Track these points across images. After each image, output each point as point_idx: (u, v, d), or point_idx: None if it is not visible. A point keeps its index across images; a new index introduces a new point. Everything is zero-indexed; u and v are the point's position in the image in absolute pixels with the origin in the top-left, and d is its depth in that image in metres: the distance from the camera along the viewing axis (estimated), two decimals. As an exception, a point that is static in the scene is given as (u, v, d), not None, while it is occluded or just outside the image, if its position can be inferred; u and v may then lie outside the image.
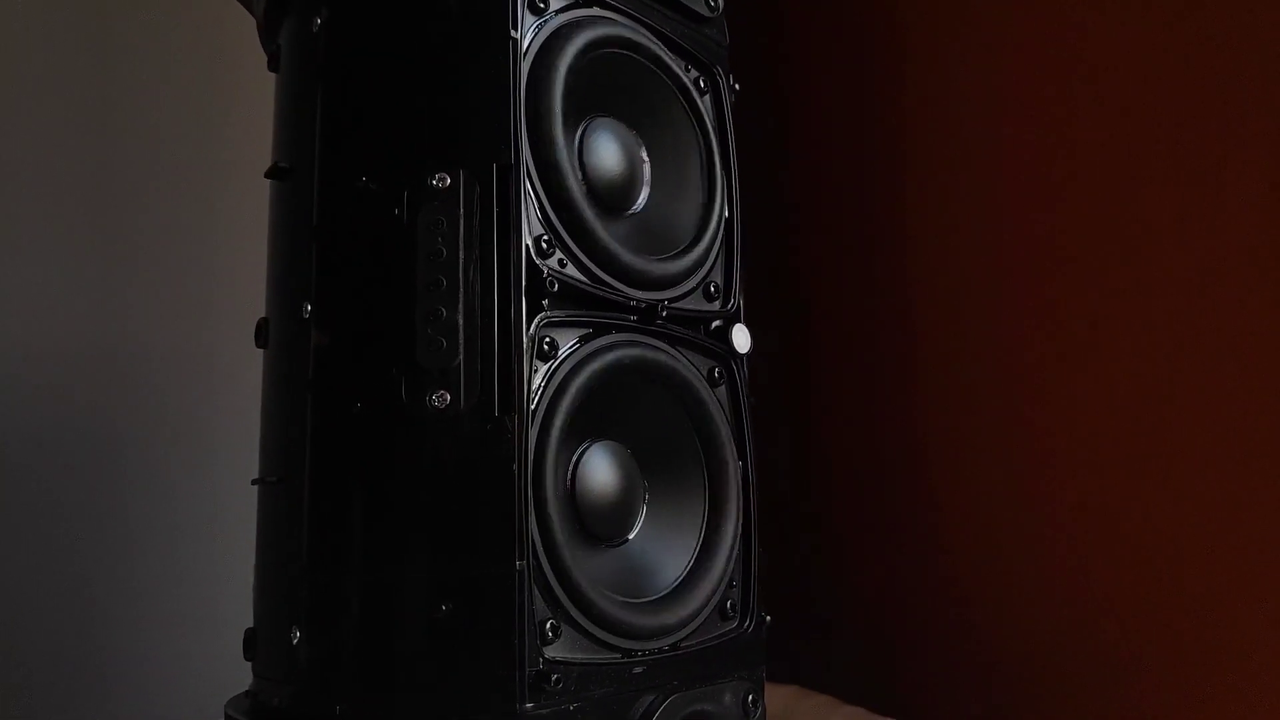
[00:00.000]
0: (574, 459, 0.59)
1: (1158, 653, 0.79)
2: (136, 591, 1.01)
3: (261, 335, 0.64)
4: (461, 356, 0.53)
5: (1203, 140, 0.78)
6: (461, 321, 0.53)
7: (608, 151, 0.63)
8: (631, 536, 0.62)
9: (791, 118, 1.16)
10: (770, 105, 1.16)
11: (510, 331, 0.53)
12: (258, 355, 0.65)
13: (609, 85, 0.64)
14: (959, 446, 0.96)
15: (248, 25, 0.74)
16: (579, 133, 0.62)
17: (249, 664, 0.62)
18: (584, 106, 0.62)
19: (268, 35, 0.71)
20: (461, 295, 0.54)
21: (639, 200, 0.66)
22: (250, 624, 0.62)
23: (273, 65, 0.68)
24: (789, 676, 0.96)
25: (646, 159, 0.67)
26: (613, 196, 0.64)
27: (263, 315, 0.65)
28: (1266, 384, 0.74)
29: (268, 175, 0.64)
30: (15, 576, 0.94)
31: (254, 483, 0.62)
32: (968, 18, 0.97)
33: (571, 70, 0.60)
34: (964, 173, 0.97)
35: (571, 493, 0.57)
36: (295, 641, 0.55)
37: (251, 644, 0.61)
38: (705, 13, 0.72)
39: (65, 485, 0.98)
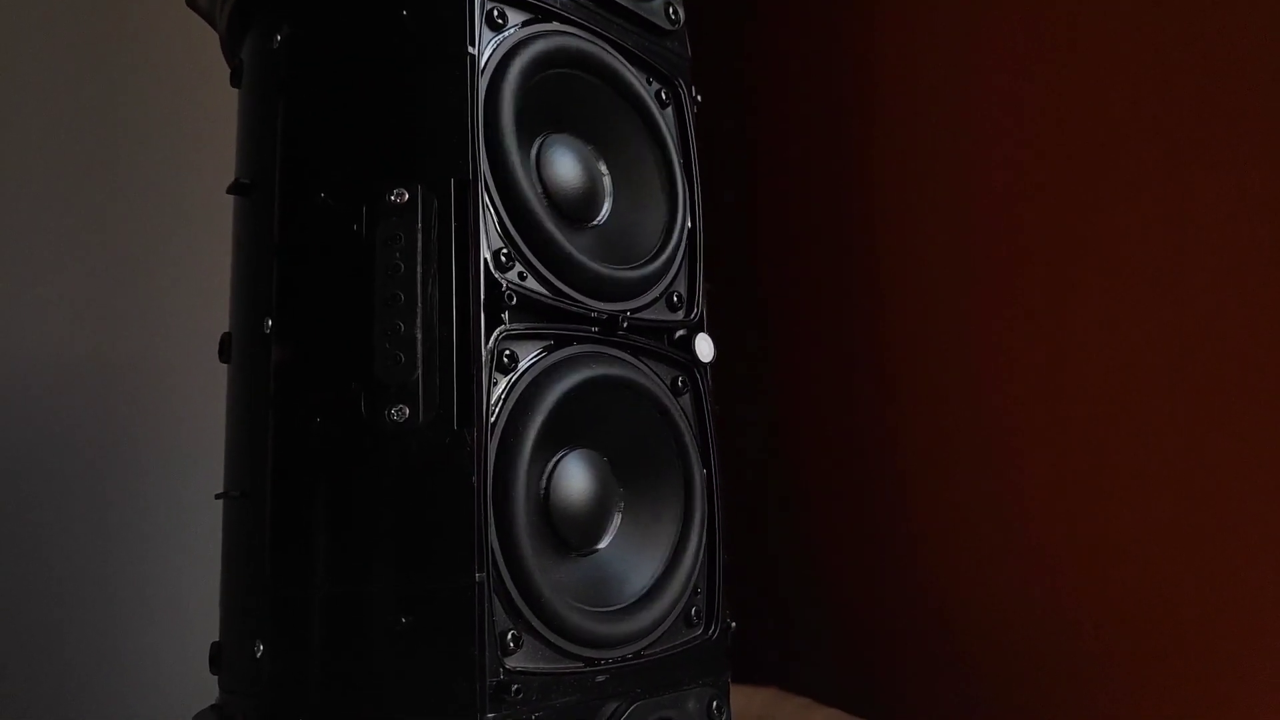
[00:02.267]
0: (549, 467, 0.59)
1: (1131, 653, 0.80)
2: (109, 600, 1.01)
3: (225, 350, 0.64)
4: (420, 370, 0.54)
5: (1175, 141, 0.79)
6: (420, 336, 0.54)
7: (565, 165, 0.64)
8: (602, 545, 0.62)
9: (758, 121, 1.17)
10: (736, 110, 1.17)
11: (469, 345, 0.54)
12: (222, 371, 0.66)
13: (565, 101, 0.64)
14: (933, 448, 0.97)
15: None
16: (536, 147, 0.63)
17: (216, 678, 0.62)
18: (541, 122, 0.63)
19: (230, 50, 0.71)
20: (420, 309, 0.54)
21: (601, 212, 0.67)
22: (216, 638, 0.63)
23: (235, 80, 0.69)
24: (768, 679, 0.97)
25: (606, 172, 0.68)
26: (574, 209, 0.64)
27: (226, 330, 0.65)
28: (1240, 385, 0.75)
29: (230, 191, 0.64)
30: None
31: (217, 497, 0.62)
32: (939, 14, 0.98)
33: (526, 82, 0.60)
34: (935, 173, 0.98)
35: (545, 501, 0.58)
36: (259, 655, 0.55)
37: (217, 658, 0.61)
38: (666, 25, 0.73)
39: (42, 492, 0.98)
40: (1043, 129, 0.88)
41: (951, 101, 0.96)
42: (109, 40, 1.07)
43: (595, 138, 0.67)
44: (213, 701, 0.62)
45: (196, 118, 1.08)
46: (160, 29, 1.09)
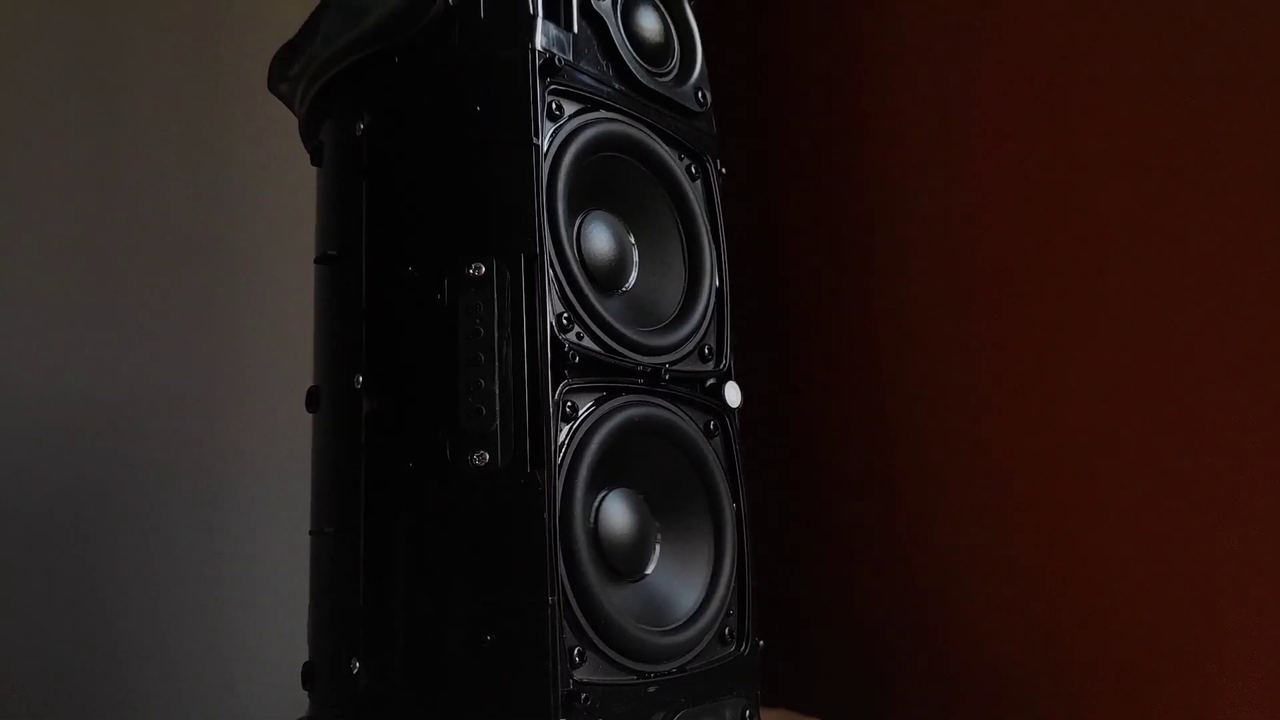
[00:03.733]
0: (595, 505, 0.68)
1: (1145, 672, 0.85)
2: (162, 631, 1.07)
3: (313, 401, 0.72)
4: (498, 421, 0.62)
5: (1168, 157, 0.86)
6: (498, 391, 0.62)
7: (603, 239, 0.73)
8: (649, 572, 0.71)
9: (773, 189, 1.27)
10: (755, 184, 1.26)
11: (539, 398, 0.62)
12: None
13: (604, 181, 0.73)
14: (939, 475, 1.05)
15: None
16: (577, 223, 0.72)
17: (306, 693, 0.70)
18: (583, 199, 0.72)
19: (308, 133, 0.80)
20: (497, 368, 0.63)
21: (630, 279, 0.76)
22: (294, 660, 0.70)
23: (315, 160, 0.77)
24: (778, 700, 1.04)
25: (634, 243, 0.77)
26: (606, 277, 0.73)
27: (312, 384, 0.73)
28: (1233, 395, 0.81)
29: (318, 261, 0.73)
30: (25, 618, 1.00)
31: (311, 534, 0.70)
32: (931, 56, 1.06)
33: (577, 166, 0.69)
34: (930, 199, 1.06)
35: (595, 535, 0.66)
36: (355, 671, 0.63)
37: (310, 676, 0.69)
38: (695, 108, 0.82)
39: (71, 525, 1.04)
40: (1045, 158, 0.96)
41: (949, 132, 1.05)
42: (126, 64, 1.13)
43: (627, 213, 0.76)
44: (304, 715, 0.69)
45: (234, 151, 1.15)
46: (178, 63, 1.16)
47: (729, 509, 0.75)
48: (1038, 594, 0.94)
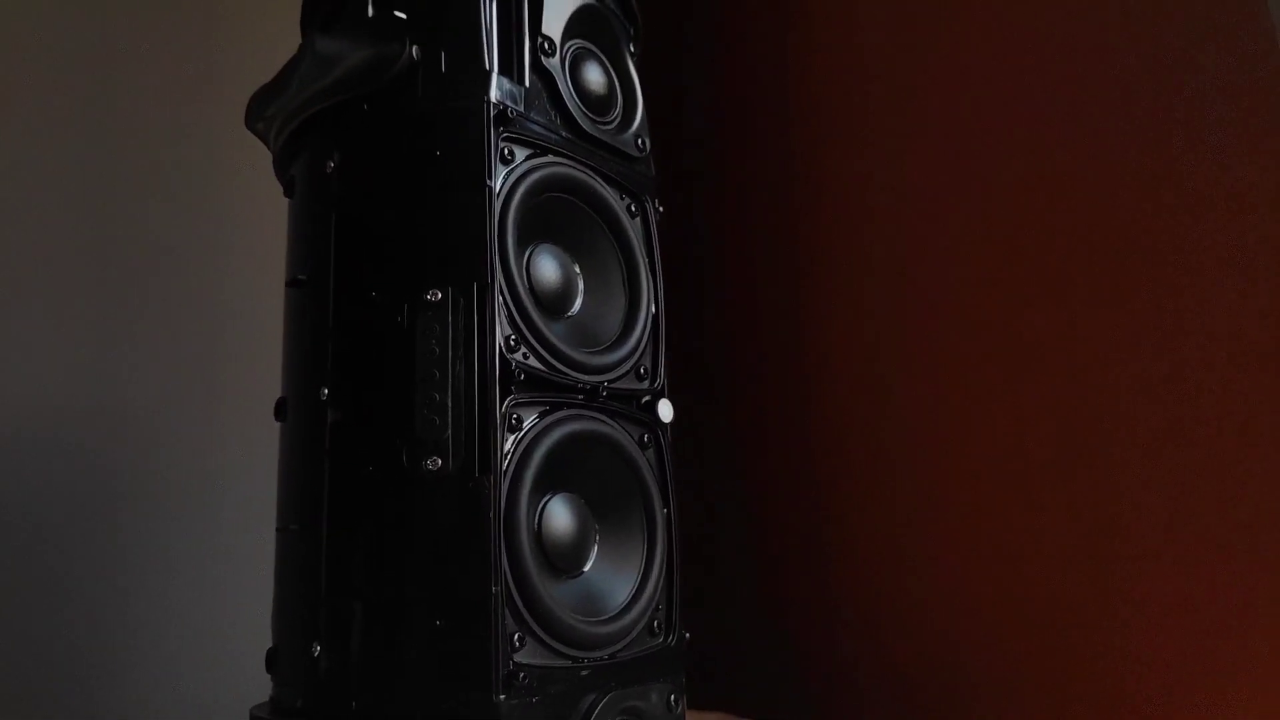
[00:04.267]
0: (540, 507, 0.76)
1: (1086, 675, 0.89)
2: (129, 641, 1.12)
3: (281, 411, 0.79)
4: (450, 430, 0.70)
5: (1139, 159, 0.89)
6: (450, 404, 0.70)
7: (549, 269, 0.82)
8: (587, 568, 0.79)
9: (712, 220, 1.36)
10: (696, 212, 1.35)
11: (488, 411, 0.70)
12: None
13: (551, 218, 0.82)
14: (881, 468, 1.10)
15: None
16: (527, 255, 0.80)
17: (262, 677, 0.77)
18: (532, 234, 0.80)
19: (281, 167, 0.88)
20: (450, 383, 0.71)
21: (575, 305, 0.84)
22: (259, 651, 0.77)
23: (288, 192, 0.85)
24: (716, 703, 1.10)
25: (579, 272, 0.85)
26: (553, 303, 0.82)
27: (280, 395, 0.80)
28: (1219, 393, 0.84)
29: (289, 284, 0.80)
30: (18, 624, 1.05)
31: (278, 531, 0.77)
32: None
33: (525, 204, 0.78)
34: (880, 208, 1.11)
35: (538, 534, 0.74)
36: (316, 654, 0.70)
37: (274, 659, 0.76)
38: (635, 153, 0.91)
39: (70, 535, 1.10)
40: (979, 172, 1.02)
41: (890, 153, 1.11)
42: (123, 74, 1.18)
43: (572, 246, 0.85)
44: (267, 697, 0.76)
45: (229, 163, 1.21)
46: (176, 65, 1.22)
47: (660, 513, 0.83)
48: (980, 589, 0.97)
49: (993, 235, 1.03)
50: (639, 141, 0.92)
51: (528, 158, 0.80)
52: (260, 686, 0.78)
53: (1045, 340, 0.97)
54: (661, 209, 0.94)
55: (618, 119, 0.91)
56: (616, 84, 0.92)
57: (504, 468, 0.71)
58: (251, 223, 1.23)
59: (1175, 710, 0.85)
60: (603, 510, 0.81)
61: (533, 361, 0.75)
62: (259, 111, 0.86)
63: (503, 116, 0.77)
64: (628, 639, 0.78)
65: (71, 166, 1.15)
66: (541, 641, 0.71)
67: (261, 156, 0.90)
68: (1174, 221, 0.89)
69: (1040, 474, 0.96)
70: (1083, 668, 0.91)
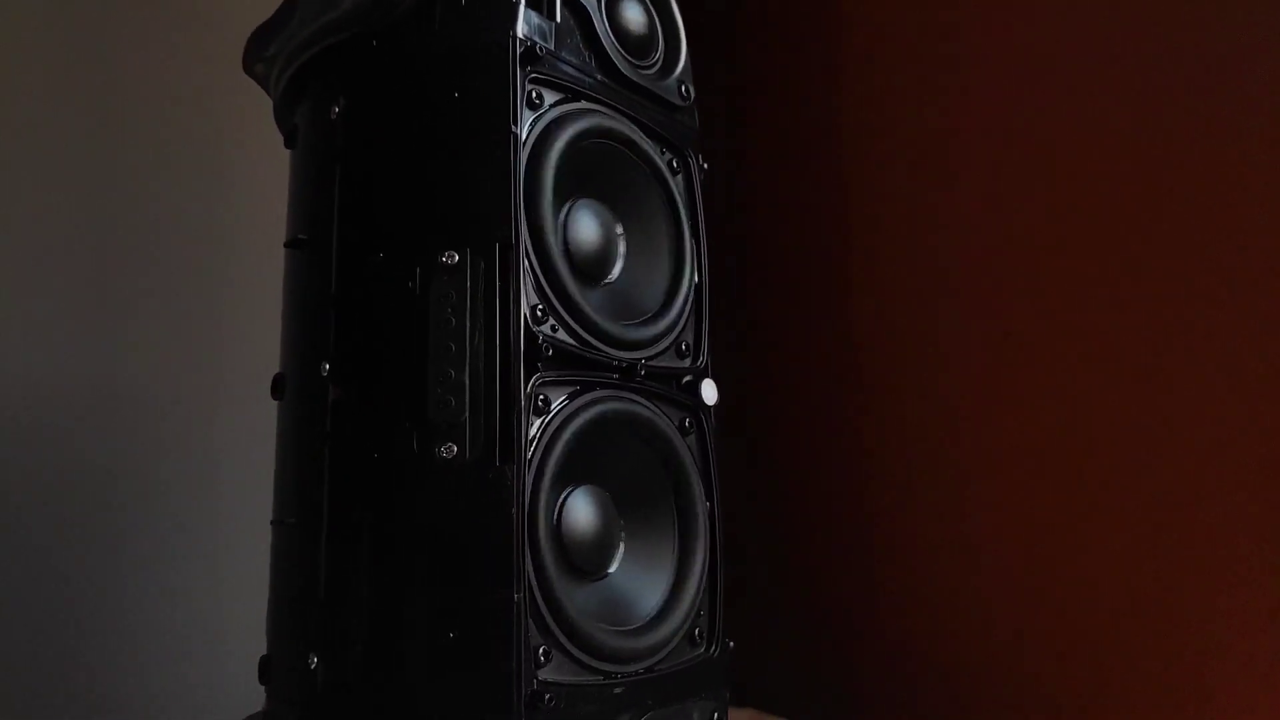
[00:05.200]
0: (560, 501, 0.66)
1: (1119, 673, 0.86)
2: (129, 620, 1.05)
3: (278, 388, 0.70)
4: (467, 413, 0.61)
5: (1148, 159, 0.86)
6: (468, 382, 0.61)
7: (588, 228, 0.72)
8: (612, 570, 0.69)
9: (752, 181, 1.26)
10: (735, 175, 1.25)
11: (511, 391, 0.61)
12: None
13: (590, 170, 0.72)
14: (906, 482, 1.05)
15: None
16: (564, 211, 0.71)
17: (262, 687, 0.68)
18: (570, 187, 0.71)
19: (282, 115, 0.78)
20: (468, 359, 0.61)
21: (614, 271, 0.74)
22: (258, 652, 0.69)
23: (289, 143, 0.76)
24: (746, 700, 1.03)
25: (622, 233, 0.75)
26: (591, 268, 0.72)
27: (278, 370, 0.72)
28: (1206, 394, 0.81)
29: (288, 245, 0.71)
30: (11, 611, 0.99)
31: (273, 523, 0.68)
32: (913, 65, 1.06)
33: (561, 158, 0.68)
34: (910, 201, 1.06)
35: (558, 531, 0.65)
36: (313, 666, 0.62)
37: (267, 669, 0.67)
38: (678, 102, 0.81)
39: (61, 522, 1.03)
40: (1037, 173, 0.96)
41: (926, 149, 1.05)
42: (131, 63, 1.12)
43: (616, 201, 0.75)
44: (260, 710, 0.68)
45: (234, 148, 1.14)
46: (181, 60, 1.15)
47: (701, 508, 0.74)
48: (1012, 593, 0.94)
49: (1057, 216, 0.94)
50: (683, 88, 0.82)
51: (558, 102, 0.70)
52: (253, 696, 0.70)
53: (1109, 332, 0.89)
54: (706, 166, 0.84)
55: (659, 63, 0.81)
56: (658, 23, 0.81)
57: (529, 456, 0.61)
58: (253, 185, 1.14)
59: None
60: (627, 504, 0.71)
61: (563, 335, 0.66)
62: (257, 53, 0.77)
63: (530, 54, 0.67)
64: (666, 650, 0.69)
65: (56, 148, 1.07)
66: (570, 655, 0.62)
67: (265, 109, 0.81)
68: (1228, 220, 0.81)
69: (1095, 473, 0.89)
70: (1143, 666, 0.83)
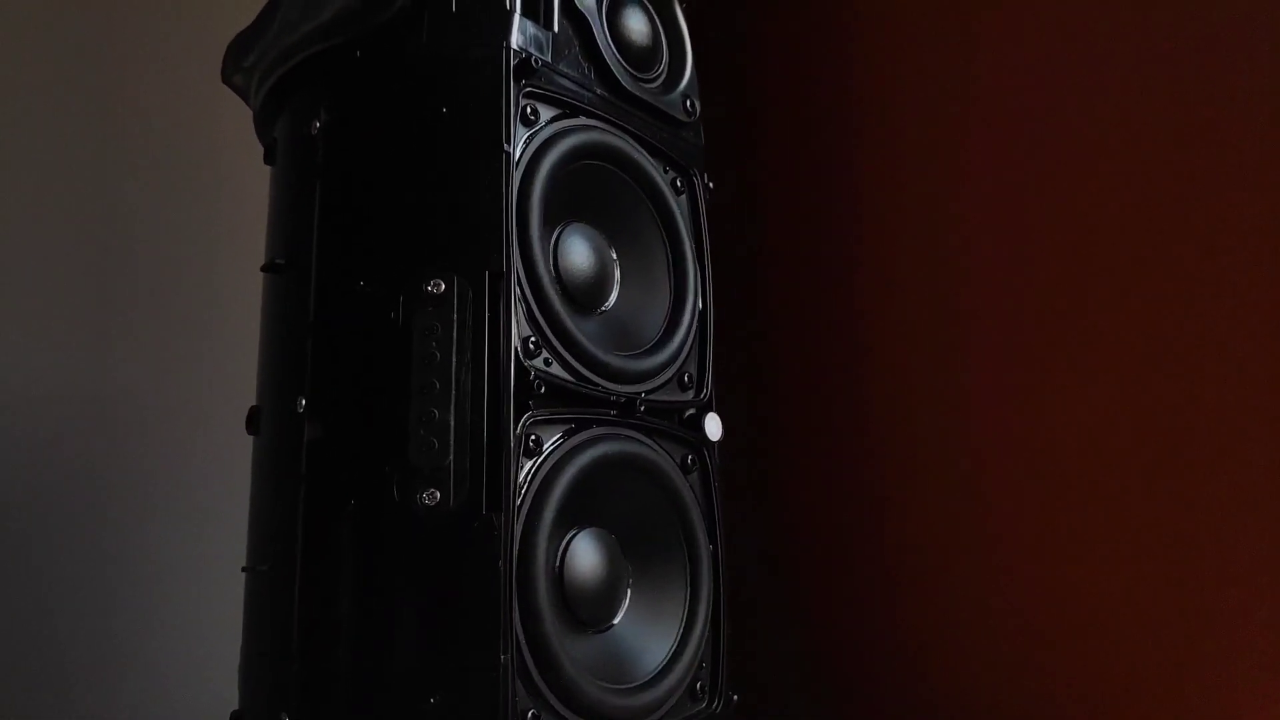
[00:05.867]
0: (562, 546, 0.62)
1: (1130, 685, 0.82)
2: (114, 637, 1.01)
3: (253, 423, 0.66)
4: (452, 456, 0.56)
5: (1157, 160, 0.82)
6: (453, 422, 0.56)
7: (581, 254, 0.67)
8: (616, 621, 0.65)
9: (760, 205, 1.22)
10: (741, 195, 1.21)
11: (500, 432, 0.56)
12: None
13: (585, 191, 0.68)
14: (921, 527, 1.00)
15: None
16: (554, 236, 0.66)
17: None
18: (561, 211, 0.66)
19: (262, 128, 0.74)
20: (454, 397, 0.57)
21: (610, 298, 0.70)
22: (233, 706, 0.64)
23: (269, 158, 0.71)
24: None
25: (616, 258, 0.71)
26: (585, 296, 0.67)
27: (254, 403, 0.67)
28: (1215, 397, 0.78)
29: (265, 269, 0.67)
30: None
31: (244, 570, 0.63)
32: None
33: (555, 177, 0.63)
34: (916, 209, 1.02)
35: (559, 579, 0.60)
36: (283, 729, 0.57)
37: (237, 727, 0.62)
38: (682, 117, 0.76)
39: (49, 530, 0.99)
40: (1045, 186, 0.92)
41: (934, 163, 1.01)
42: (124, 71, 1.09)
43: (609, 226, 0.71)
44: (229, 769, 0.63)
45: (227, 161, 1.10)
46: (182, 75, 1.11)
47: (705, 551, 0.69)
48: (1033, 635, 0.89)
49: (1061, 230, 0.90)
50: (688, 103, 0.77)
51: (555, 118, 0.66)
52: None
53: (1118, 336, 0.85)
54: (712, 185, 0.79)
55: (663, 76, 0.76)
56: (662, 34, 0.77)
57: (518, 502, 0.57)
58: (241, 202, 1.10)
59: None
60: (637, 549, 0.67)
61: (556, 369, 0.61)
62: (236, 62, 0.73)
63: (525, 67, 0.63)
64: (665, 707, 0.64)
65: (37, 156, 1.03)
66: (561, 718, 0.57)
67: (246, 126, 0.77)
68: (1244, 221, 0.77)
69: (1096, 479, 0.85)
70: (1153, 683, 0.79)
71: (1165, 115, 0.84)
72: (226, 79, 0.74)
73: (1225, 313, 0.79)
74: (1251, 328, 0.78)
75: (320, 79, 0.66)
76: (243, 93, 0.74)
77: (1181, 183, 0.83)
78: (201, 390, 1.09)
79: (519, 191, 0.61)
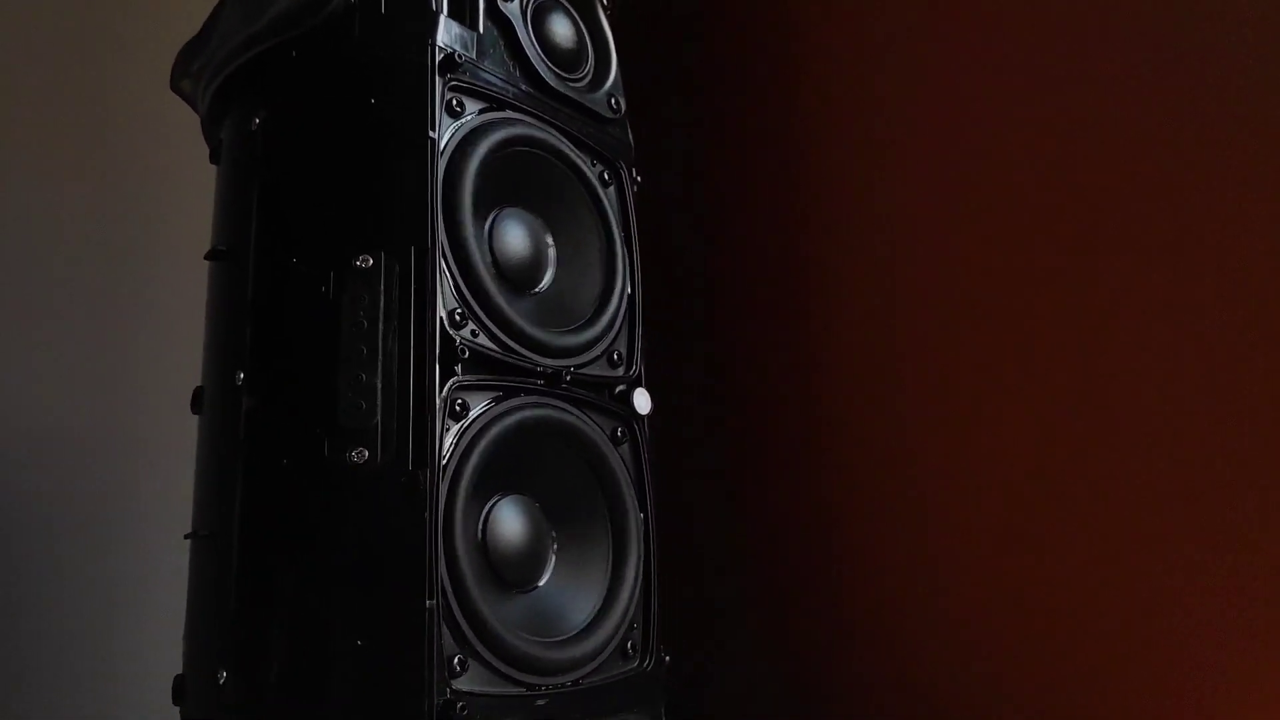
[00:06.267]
0: (484, 511, 0.65)
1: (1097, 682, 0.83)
2: (70, 640, 1.02)
3: (197, 402, 0.69)
4: (379, 416, 0.60)
5: (1150, 162, 0.83)
6: (380, 385, 0.60)
7: (515, 237, 0.71)
8: (542, 583, 0.68)
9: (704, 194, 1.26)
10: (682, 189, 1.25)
11: (424, 393, 0.60)
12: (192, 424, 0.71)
13: (518, 179, 0.72)
14: (872, 488, 1.01)
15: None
16: (489, 220, 0.70)
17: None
18: (495, 198, 0.70)
19: (210, 131, 0.78)
20: (380, 361, 0.60)
21: (544, 280, 0.74)
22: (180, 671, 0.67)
23: (214, 158, 0.76)
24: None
25: (552, 243, 0.75)
26: (519, 276, 0.71)
27: (198, 384, 0.70)
28: (1227, 397, 0.78)
29: (207, 257, 0.71)
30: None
31: (186, 537, 0.67)
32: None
33: (484, 165, 0.68)
34: (876, 201, 1.04)
35: (483, 542, 0.63)
36: (222, 681, 0.60)
37: (180, 689, 0.65)
38: (608, 114, 0.81)
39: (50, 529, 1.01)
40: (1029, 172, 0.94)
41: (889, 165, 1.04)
42: (94, 94, 1.12)
43: (545, 211, 0.75)
44: (175, 733, 0.65)
45: (173, 189, 1.14)
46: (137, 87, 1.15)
47: (634, 518, 0.72)
48: (996, 605, 0.90)
49: (1011, 221, 0.93)
50: (612, 101, 0.82)
51: (481, 111, 0.70)
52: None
53: (1062, 336, 0.87)
54: (639, 179, 0.84)
55: (588, 76, 0.81)
56: (587, 38, 0.82)
57: (444, 461, 0.60)
58: (173, 205, 1.13)
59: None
60: (560, 515, 0.70)
61: (483, 339, 0.65)
62: (184, 69, 0.77)
63: (450, 62, 0.67)
64: (595, 662, 0.67)
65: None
66: (488, 665, 0.60)
67: (187, 133, 0.81)
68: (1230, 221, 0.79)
69: (1057, 477, 0.87)
70: (1119, 680, 0.81)
71: (1150, 112, 0.84)
72: (174, 85, 0.79)
73: (1208, 312, 0.79)
74: (1242, 327, 0.78)
75: (260, 79, 0.71)
76: (190, 99, 0.79)
77: (1175, 179, 0.83)
78: (117, 392, 1.10)
79: (445, 175, 0.65)
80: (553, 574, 0.68)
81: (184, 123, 0.82)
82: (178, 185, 1.09)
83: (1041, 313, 0.90)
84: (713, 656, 1.11)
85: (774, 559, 1.12)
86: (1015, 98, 0.94)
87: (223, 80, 0.73)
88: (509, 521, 0.66)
